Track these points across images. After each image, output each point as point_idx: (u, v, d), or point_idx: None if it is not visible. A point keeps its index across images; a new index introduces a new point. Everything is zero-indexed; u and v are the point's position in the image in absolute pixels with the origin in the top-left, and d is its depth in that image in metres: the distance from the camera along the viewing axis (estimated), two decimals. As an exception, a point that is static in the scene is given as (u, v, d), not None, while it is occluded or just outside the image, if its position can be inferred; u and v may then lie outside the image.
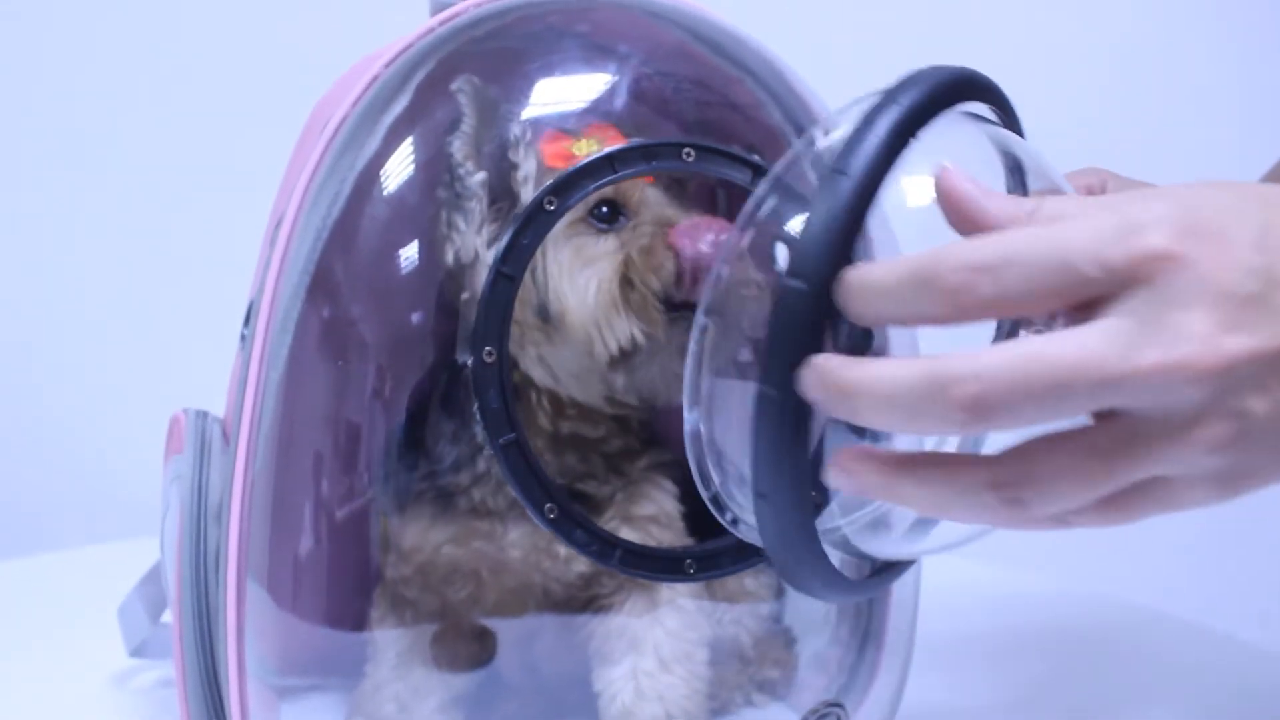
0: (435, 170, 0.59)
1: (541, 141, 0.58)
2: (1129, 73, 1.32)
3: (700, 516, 0.61)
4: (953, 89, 0.43)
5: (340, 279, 0.60)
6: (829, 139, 0.44)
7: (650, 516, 0.61)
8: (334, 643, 0.65)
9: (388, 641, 0.63)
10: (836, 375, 0.39)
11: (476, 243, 0.58)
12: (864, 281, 0.39)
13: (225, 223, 0.97)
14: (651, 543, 0.60)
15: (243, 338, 0.60)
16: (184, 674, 0.58)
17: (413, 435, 0.61)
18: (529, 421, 0.60)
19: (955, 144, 0.44)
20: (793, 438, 0.40)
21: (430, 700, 0.62)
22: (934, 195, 0.42)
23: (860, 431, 0.44)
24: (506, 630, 0.62)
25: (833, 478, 0.41)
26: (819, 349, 0.40)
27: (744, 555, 0.56)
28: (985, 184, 0.43)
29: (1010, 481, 0.39)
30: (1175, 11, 1.33)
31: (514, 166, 0.58)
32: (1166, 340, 0.37)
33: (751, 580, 0.66)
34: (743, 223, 0.46)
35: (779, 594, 0.67)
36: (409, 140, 0.60)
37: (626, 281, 0.57)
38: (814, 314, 0.40)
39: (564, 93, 0.61)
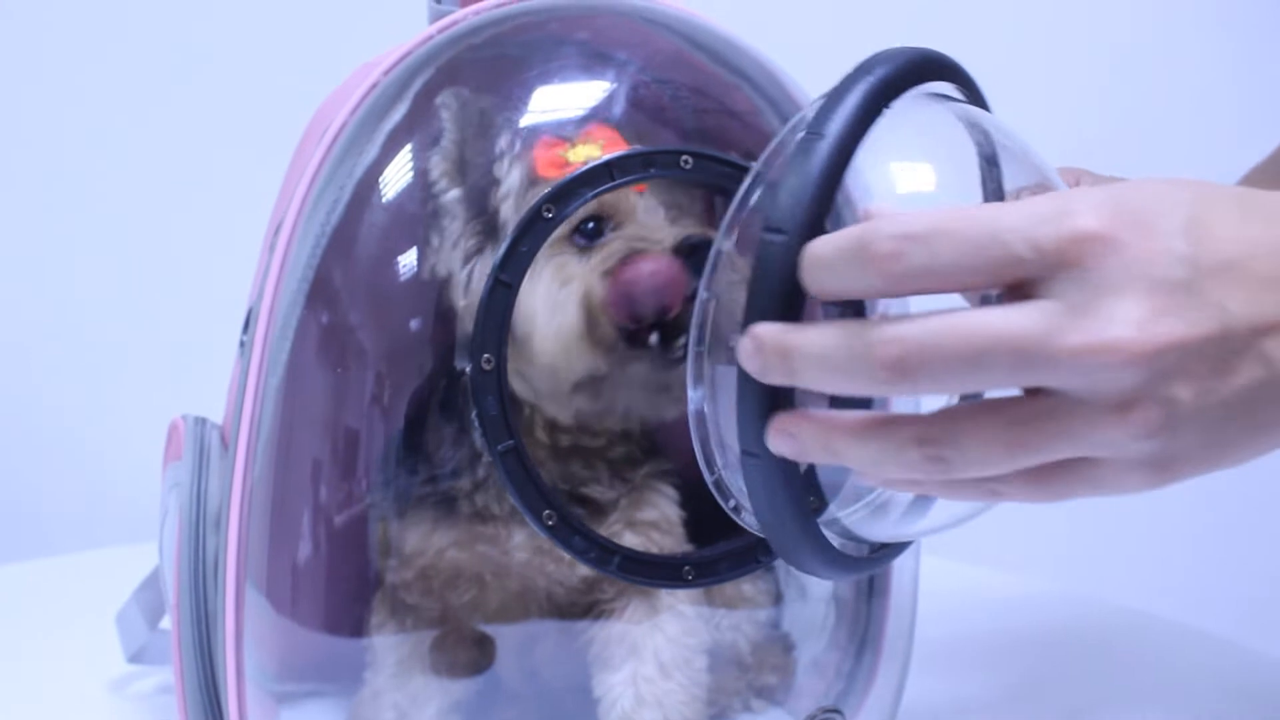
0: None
1: (536, 148, 0.58)
2: (1129, 72, 1.32)
3: (699, 523, 0.61)
4: (923, 65, 0.45)
5: (339, 286, 0.60)
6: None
7: (652, 522, 0.61)
8: (333, 649, 0.65)
9: (387, 648, 0.63)
10: (774, 339, 0.41)
11: (452, 260, 0.58)
12: (810, 255, 0.41)
13: (224, 229, 0.97)
14: (652, 548, 0.60)
15: (242, 344, 0.60)
16: (182, 680, 0.58)
17: (412, 441, 0.61)
18: (527, 431, 0.60)
19: (935, 127, 0.46)
20: (777, 391, 0.42)
21: (429, 707, 0.62)
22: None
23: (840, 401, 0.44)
24: (507, 636, 0.62)
25: (774, 441, 0.42)
26: (800, 301, 0.41)
27: (742, 561, 0.56)
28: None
29: (934, 439, 0.40)
30: (1175, 11, 1.33)
31: (495, 183, 0.58)
32: (1094, 323, 0.38)
33: (750, 586, 0.66)
34: (733, 210, 0.47)
35: (777, 600, 0.67)
36: (408, 147, 0.60)
37: (590, 310, 0.57)
38: (792, 265, 0.41)
39: (562, 100, 0.61)
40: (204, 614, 0.58)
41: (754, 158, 0.58)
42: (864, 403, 0.44)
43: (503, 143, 0.58)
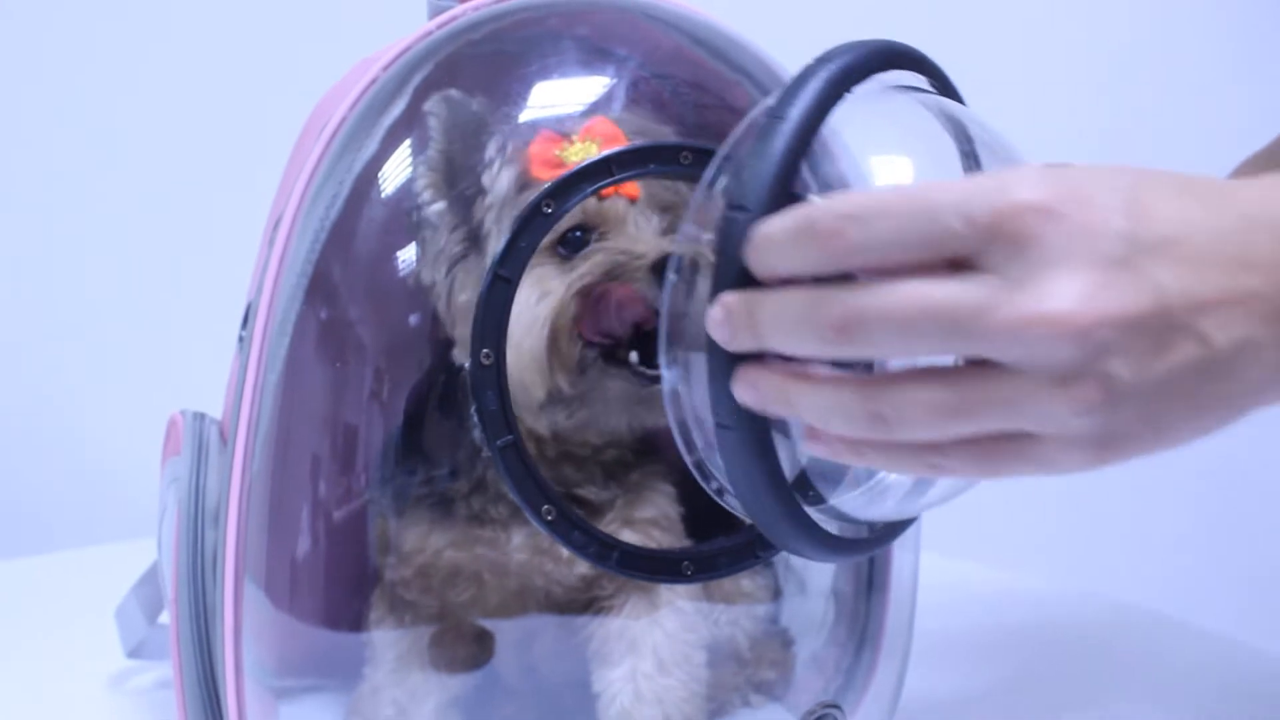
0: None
1: (532, 144, 0.58)
2: (1128, 72, 1.32)
3: (698, 519, 0.61)
4: (885, 55, 0.46)
5: (338, 281, 0.60)
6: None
7: (651, 519, 0.61)
8: (331, 644, 0.65)
9: (386, 643, 0.63)
10: (739, 304, 0.43)
11: (436, 269, 0.59)
12: (760, 236, 0.43)
13: (223, 224, 0.97)
14: (651, 545, 0.60)
15: (241, 339, 0.60)
16: (181, 675, 0.58)
17: (411, 438, 0.61)
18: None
19: (910, 119, 0.48)
20: (745, 361, 0.43)
21: (428, 703, 0.62)
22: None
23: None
24: (506, 632, 0.62)
25: (738, 390, 0.44)
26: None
27: (741, 556, 0.56)
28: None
29: (876, 396, 0.42)
30: (1175, 11, 1.33)
31: (481, 192, 0.58)
32: (1029, 297, 0.39)
33: (748, 581, 0.66)
34: (699, 193, 0.48)
35: (776, 595, 0.67)
36: (407, 143, 0.60)
37: (556, 330, 0.57)
38: None
39: (562, 95, 0.61)
40: (203, 609, 0.58)
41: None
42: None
43: (492, 149, 0.58)
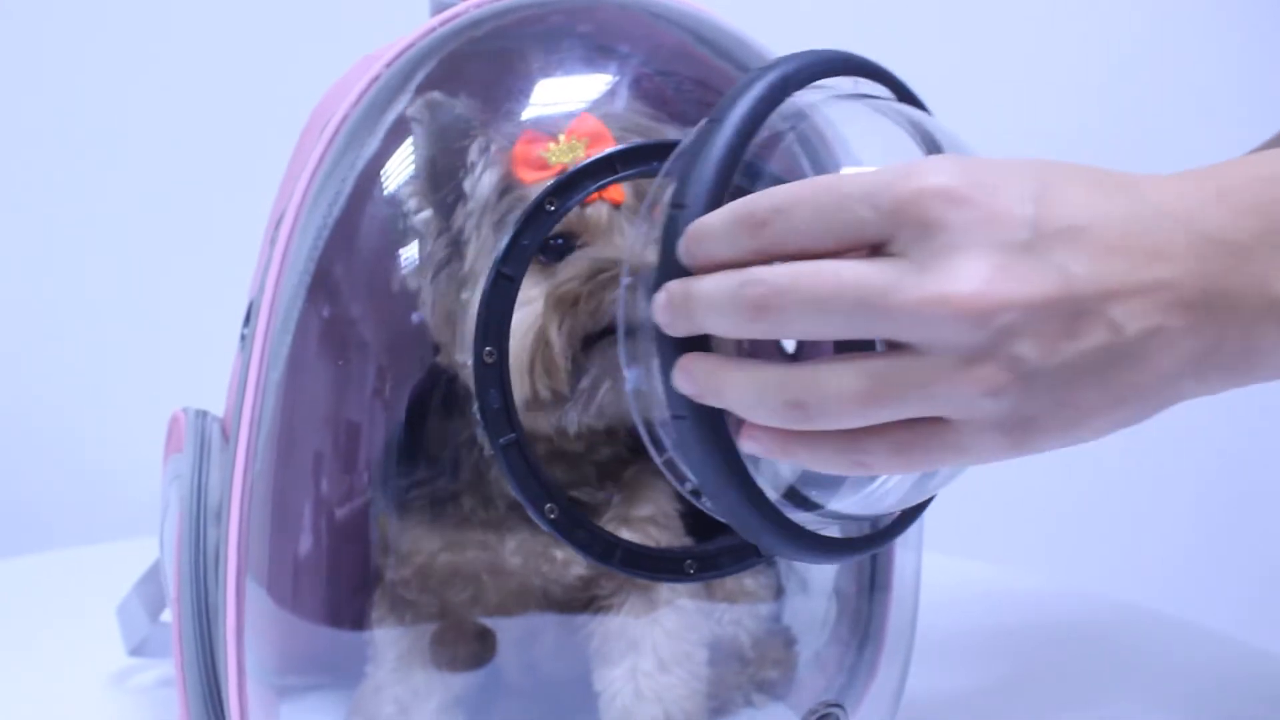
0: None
1: (516, 145, 0.58)
2: (1128, 71, 1.32)
3: (699, 517, 0.61)
4: (828, 63, 0.48)
5: (340, 279, 0.60)
6: None
7: (648, 517, 0.61)
8: (333, 642, 0.65)
9: (388, 642, 0.63)
10: (678, 289, 0.45)
11: (421, 279, 0.59)
12: (699, 227, 0.44)
13: (225, 222, 0.97)
14: (651, 543, 0.60)
15: (243, 337, 0.60)
16: (183, 673, 0.58)
17: (412, 438, 0.60)
18: None
19: (872, 124, 0.49)
20: (698, 345, 0.45)
21: (430, 702, 0.62)
22: None
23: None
24: (507, 631, 0.62)
25: (677, 379, 0.45)
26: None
27: (744, 555, 0.56)
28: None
29: (794, 382, 0.43)
30: (1174, 10, 1.33)
31: (461, 199, 0.58)
32: (933, 279, 0.40)
33: (751, 580, 0.66)
34: (650, 197, 0.50)
35: (778, 594, 0.67)
36: (410, 140, 0.59)
37: (539, 336, 0.56)
38: None
39: (564, 93, 0.61)
40: (205, 607, 0.58)
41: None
42: None
43: (474, 152, 0.58)
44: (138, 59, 1.27)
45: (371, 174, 0.59)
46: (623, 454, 0.62)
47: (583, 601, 0.62)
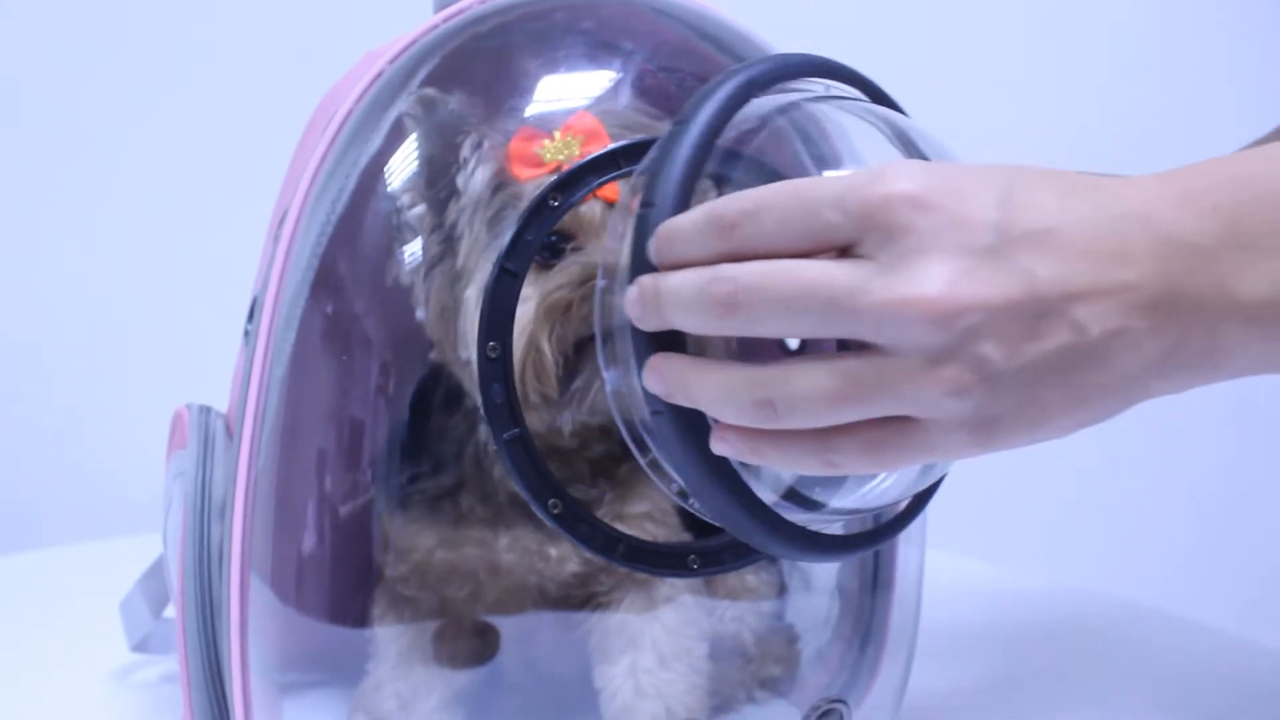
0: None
1: (511, 142, 0.58)
2: (1127, 70, 1.32)
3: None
4: (795, 67, 0.49)
5: (344, 275, 0.60)
6: None
7: (644, 514, 0.61)
8: (336, 639, 0.65)
9: (389, 639, 0.63)
10: (648, 284, 0.45)
11: (415, 275, 0.59)
12: (669, 229, 0.45)
13: (229, 218, 0.97)
14: (649, 539, 0.60)
15: (246, 333, 0.60)
16: (187, 669, 0.58)
17: (413, 435, 0.61)
18: None
19: (842, 125, 0.50)
20: (671, 341, 0.46)
21: (432, 698, 0.62)
22: None
23: None
24: (507, 628, 0.62)
25: (647, 378, 0.46)
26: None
27: (746, 551, 0.56)
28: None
29: (763, 382, 0.43)
30: (1174, 10, 1.33)
31: (454, 195, 0.58)
32: (898, 281, 0.40)
33: (753, 577, 0.66)
34: (622, 201, 0.50)
35: (781, 591, 0.67)
36: (413, 137, 0.59)
37: (531, 342, 0.56)
38: None
39: (567, 89, 0.61)
40: (208, 603, 0.58)
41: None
42: None
43: (467, 148, 0.58)
44: (140, 57, 1.27)
45: (374, 170, 0.59)
46: (616, 451, 0.62)
47: (580, 598, 0.62)
